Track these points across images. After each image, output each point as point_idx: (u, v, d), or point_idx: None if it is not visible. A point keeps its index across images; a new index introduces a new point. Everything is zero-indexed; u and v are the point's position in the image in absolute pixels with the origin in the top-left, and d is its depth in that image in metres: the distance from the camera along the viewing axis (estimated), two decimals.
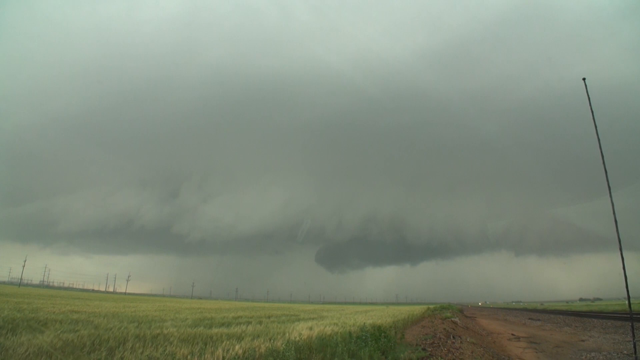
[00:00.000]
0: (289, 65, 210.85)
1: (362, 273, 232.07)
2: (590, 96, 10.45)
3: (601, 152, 9.93)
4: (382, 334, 10.36)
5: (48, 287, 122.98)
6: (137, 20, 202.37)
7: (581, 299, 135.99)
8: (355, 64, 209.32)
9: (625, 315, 24.87)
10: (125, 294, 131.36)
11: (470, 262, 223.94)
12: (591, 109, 10.43)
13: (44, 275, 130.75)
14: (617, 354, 12.50)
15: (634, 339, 9.51)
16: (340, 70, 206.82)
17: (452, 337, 13.97)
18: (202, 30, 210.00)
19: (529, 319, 36.06)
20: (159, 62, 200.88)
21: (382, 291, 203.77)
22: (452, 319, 26.43)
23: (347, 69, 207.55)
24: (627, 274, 8.98)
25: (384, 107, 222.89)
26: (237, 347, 8.01)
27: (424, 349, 10.47)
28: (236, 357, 7.34)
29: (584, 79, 10.81)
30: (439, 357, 9.37)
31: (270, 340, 9.40)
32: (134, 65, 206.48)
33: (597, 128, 10.12)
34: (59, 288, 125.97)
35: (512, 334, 20.11)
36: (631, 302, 9.37)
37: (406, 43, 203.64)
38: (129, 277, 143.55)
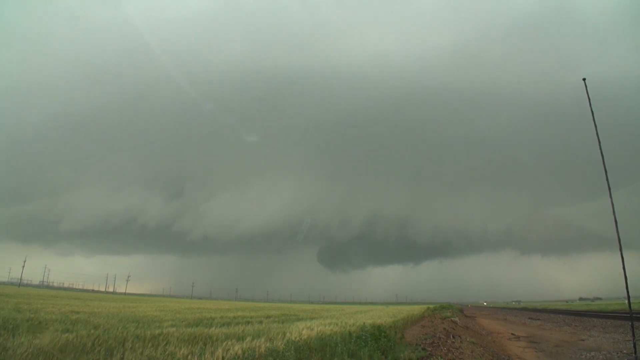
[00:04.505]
0: (301, 61, 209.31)
1: (364, 273, 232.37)
2: (592, 97, 10.47)
3: (601, 152, 9.94)
4: (382, 333, 10.35)
5: (48, 287, 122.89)
6: (160, 18, 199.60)
7: (581, 299, 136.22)
8: (367, 62, 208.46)
9: (625, 315, 24.88)
10: (125, 294, 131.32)
11: (474, 261, 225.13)
12: (591, 109, 10.43)
13: (43, 276, 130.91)
14: (617, 353, 12.50)
15: (633, 339, 9.51)
16: (350, 68, 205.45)
17: (452, 337, 13.97)
18: (215, 27, 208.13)
19: (529, 318, 36.07)
20: (170, 60, 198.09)
21: (383, 291, 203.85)
22: (452, 318, 26.42)
23: (358, 67, 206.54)
24: (627, 274, 8.99)
25: (389, 105, 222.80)
26: (237, 347, 8.01)
27: (423, 349, 10.47)
28: (236, 357, 7.34)
29: (584, 80, 10.81)
30: (439, 357, 9.36)
31: (270, 340, 9.40)
32: (143, 64, 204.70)
33: (598, 129, 10.13)
34: (59, 288, 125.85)
35: (512, 334, 20.12)
36: (631, 301, 9.38)
37: (412, 43, 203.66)
38: (128, 277, 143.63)
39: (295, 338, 9.59)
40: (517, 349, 14.34)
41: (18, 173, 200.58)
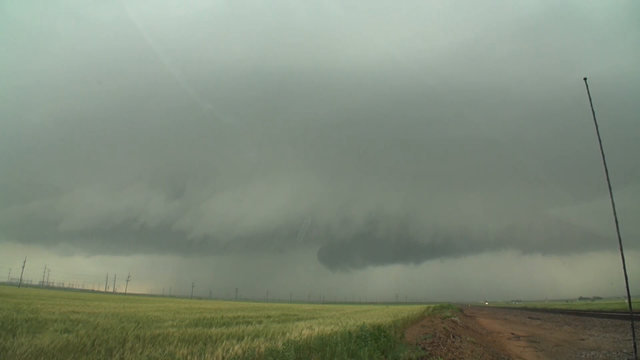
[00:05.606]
0: (302, 61, 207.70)
1: (364, 272, 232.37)
2: (592, 96, 10.45)
3: (602, 152, 9.93)
4: (382, 333, 10.34)
5: (48, 287, 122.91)
6: (160, 18, 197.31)
7: (581, 298, 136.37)
8: (369, 61, 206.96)
9: (625, 314, 24.89)
10: (125, 294, 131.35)
11: (476, 261, 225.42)
12: (592, 109, 10.42)
13: (43, 276, 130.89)
14: (617, 352, 12.49)
15: (634, 338, 9.50)
16: (352, 67, 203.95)
17: (452, 336, 13.97)
18: (216, 26, 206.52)
19: (529, 317, 36.08)
20: (170, 60, 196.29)
21: (384, 291, 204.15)
22: (452, 318, 26.42)
23: (360, 66, 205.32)
24: (627, 273, 8.98)
25: (391, 104, 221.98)
26: (236, 346, 8.00)
27: (423, 348, 10.46)
28: (236, 357, 7.33)
29: (585, 79, 10.79)
30: (439, 357, 9.36)
31: (269, 340, 9.39)
32: (144, 63, 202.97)
33: (599, 128, 10.12)
34: (59, 288, 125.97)
35: (512, 333, 20.11)
36: (631, 300, 9.38)
37: (414, 43, 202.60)
38: (128, 277, 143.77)
39: (295, 338, 9.59)
40: (517, 348, 14.34)
41: (18, 173, 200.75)
